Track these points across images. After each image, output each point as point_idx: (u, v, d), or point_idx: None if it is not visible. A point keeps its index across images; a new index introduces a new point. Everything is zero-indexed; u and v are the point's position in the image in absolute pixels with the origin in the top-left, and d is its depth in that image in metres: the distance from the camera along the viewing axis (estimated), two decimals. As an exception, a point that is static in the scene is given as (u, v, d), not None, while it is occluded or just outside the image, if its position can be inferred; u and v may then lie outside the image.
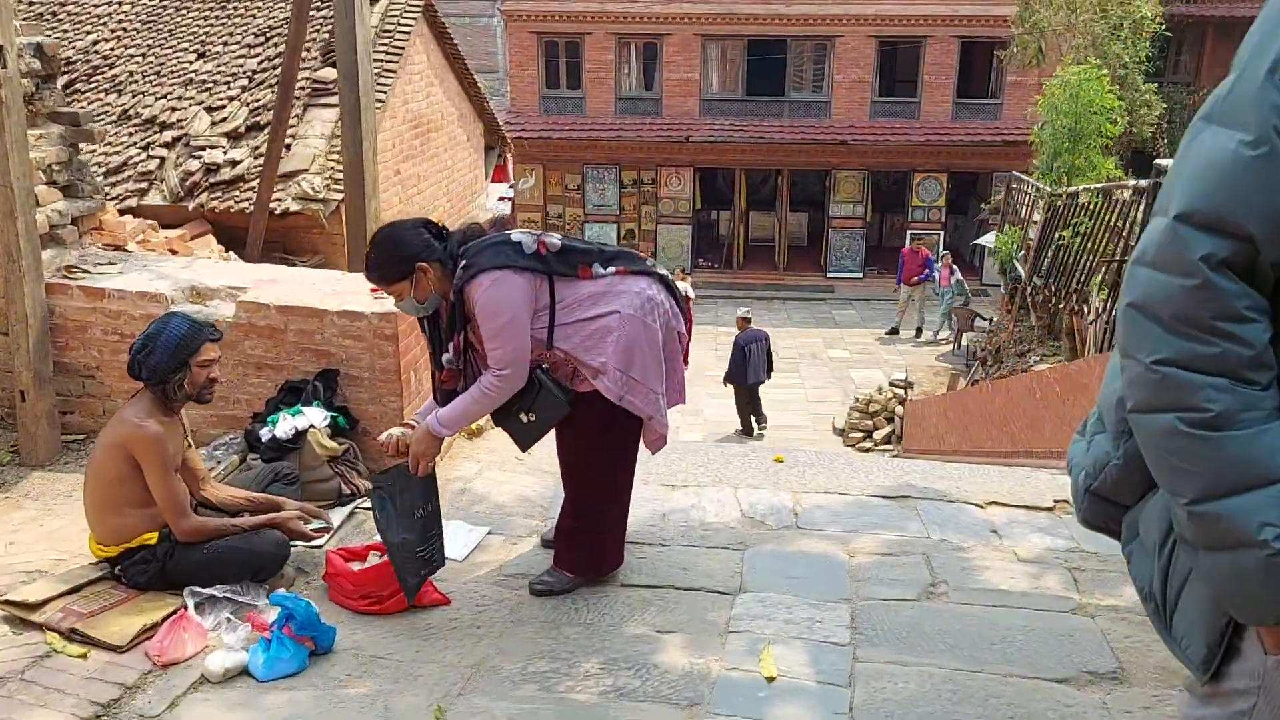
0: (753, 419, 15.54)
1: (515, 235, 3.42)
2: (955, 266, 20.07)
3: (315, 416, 4.36)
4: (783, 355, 19.16)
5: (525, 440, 3.61)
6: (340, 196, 7.22)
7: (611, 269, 3.53)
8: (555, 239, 3.45)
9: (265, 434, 4.34)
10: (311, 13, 8.36)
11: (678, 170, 23.46)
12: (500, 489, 4.68)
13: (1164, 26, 14.31)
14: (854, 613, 3.75)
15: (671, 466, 5.07)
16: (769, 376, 15.15)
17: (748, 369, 14.99)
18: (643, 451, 3.79)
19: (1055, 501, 4.89)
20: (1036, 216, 11.81)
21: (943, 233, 23.44)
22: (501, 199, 26.75)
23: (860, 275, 23.64)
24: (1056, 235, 10.49)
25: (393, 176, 8.26)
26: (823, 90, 22.96)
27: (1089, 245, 9.64)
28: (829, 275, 23.71)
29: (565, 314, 3.44)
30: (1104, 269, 9.02)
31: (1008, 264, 12.46)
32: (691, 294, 18.36)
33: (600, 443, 3.64)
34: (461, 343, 3.43)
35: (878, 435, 15.23)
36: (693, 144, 22.82)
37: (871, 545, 4.30)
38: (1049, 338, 11.11)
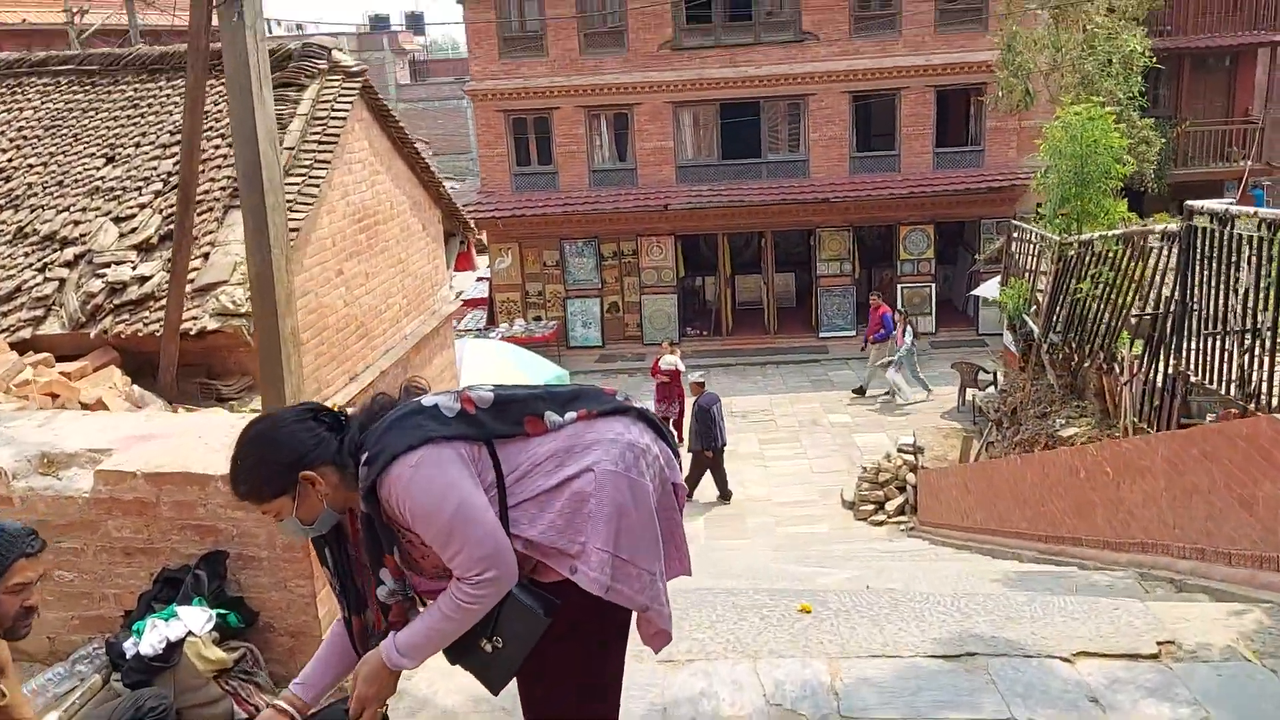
0: (725, 484, 14.93)
1: (428, 399, 2.40)
2: (911, 327, 18.97)
3: (194, 620, 3.27)
4: (780, 424, 18.14)
5: (496, 677, 2.49)
6: (267, 309, 6.21)
7: (572, 414, 2.49)
8: (485, 391, 2.42)
9: (129, 647, 3.25)
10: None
11: (658, 239, 22.64)
12: (448, 686, 3.57)
13: (1154, 60, 13.57)
14: None
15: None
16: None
17: (716, 432, 14.46)
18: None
19: (1159, 644, 3.81)
20: (1045, 267, 10.88)
21: (934, 285, 22.59)
22: (480, 279, 25.89)
23: (853, 333, 22.68)
24: (1073, 287, 9.54)
25: (334, 277, 7.26)
26: (800, 149, 22.25)
27: (1112, 297, 8.68)
28: (821, 335, 22.77)
29: (521, 488, 2.39)
30: (1135, 324, 8.04)
31: (1016, 319, 11.50)
32: (681, 367, 17.37)
33: (574, 654, 2.54)
34: (399, 563, 2.39)
35: (890, 506, 14.14)
36: (671, 212, 22.03)
37: (941, 741, 3.21)
38: (1072, 397, 10.09)
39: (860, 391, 19.18)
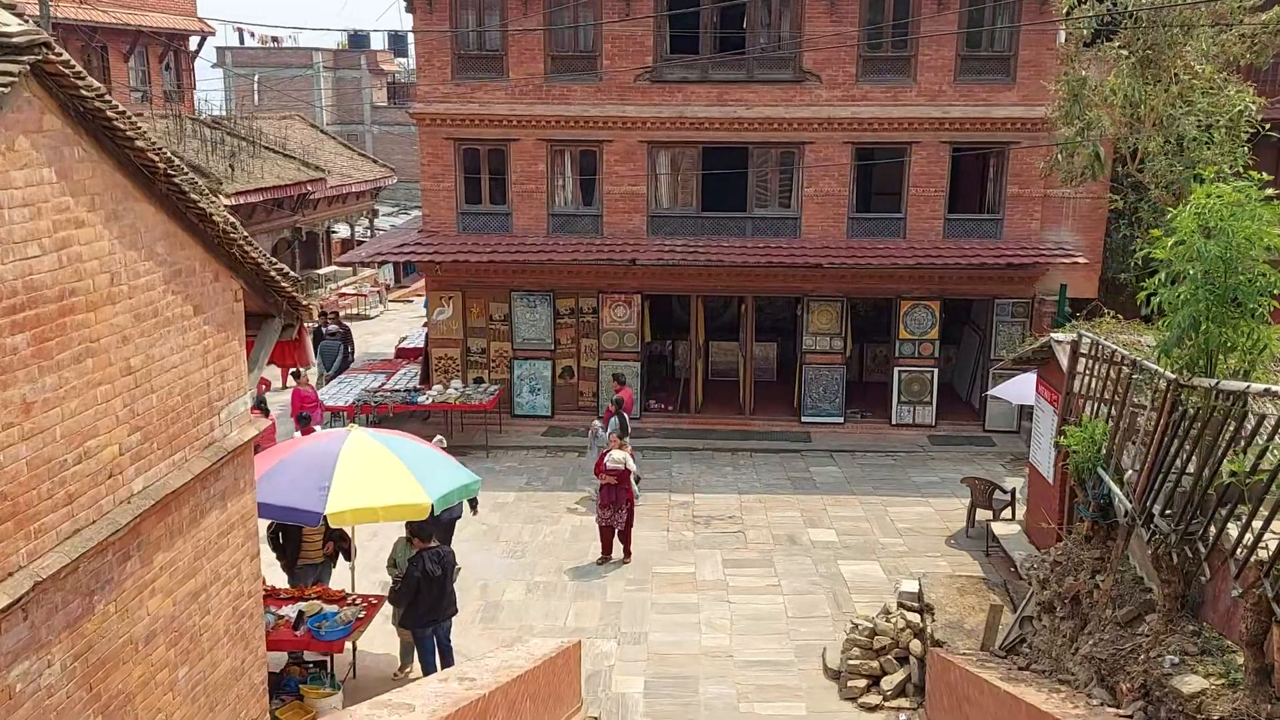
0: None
1: None
2: (621, 417, 15.28)
3: None
4: (751, 538, 14.56)
5: None
6: None
7: None
8: None
9: None
10: None
11: (623, 297, 19.13)
12: None
13: (1267, 125, 10.25)
14: None
15: None
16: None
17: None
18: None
19: None
20: (1140, 401, 7.47)
21: (936, 370, 19.16)
22: (426, 324, 22.20)
23: (840, 420, 19.18)
24: (1197, 456, 6.12)
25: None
26: (791, 205, 18.85)
27: (1290, 494, 5.24)
28: (804, 420, 19.21)
29: None
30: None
31: (1088, 474, 8.07)
32: (633, 467, 13.76)
33: None
34: None
35: (887, 684, 10.55)
36: (640, 268, 18.53)
37: None
38: (1183, 616, 6.61)
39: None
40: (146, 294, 5.15)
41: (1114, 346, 8.08)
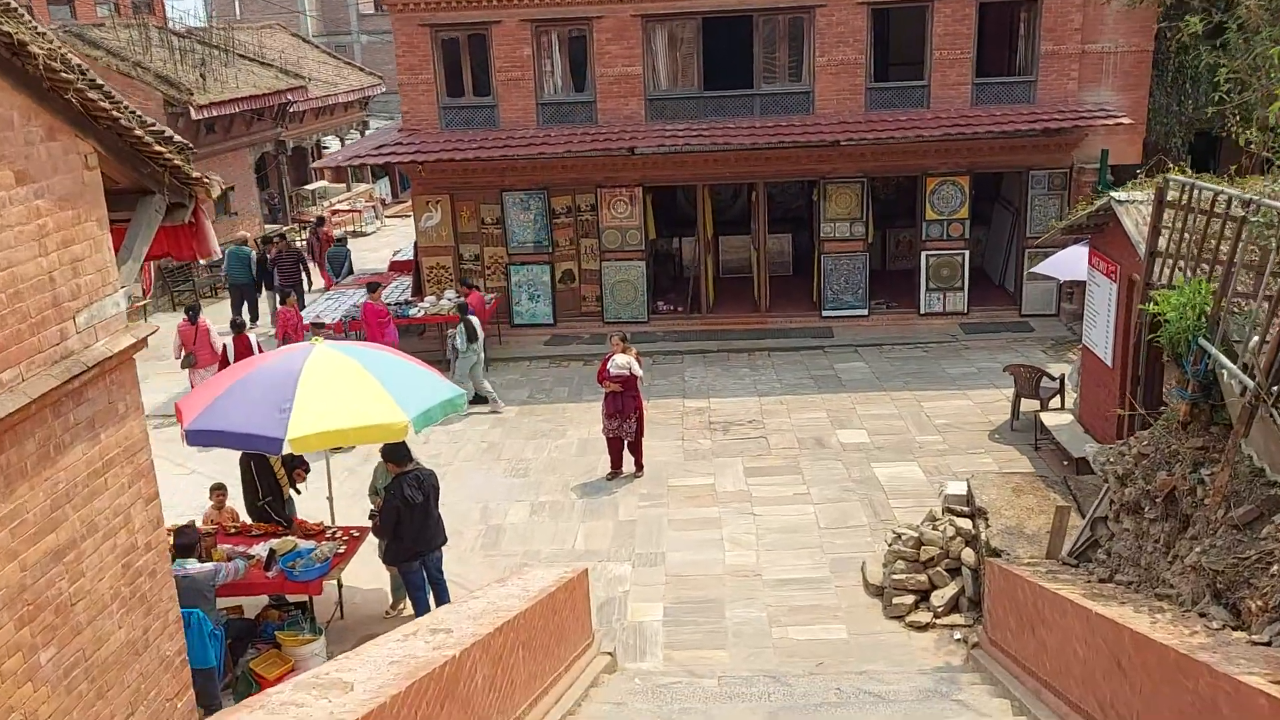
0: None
1: None
2: (467, 324, 14.25)
3: None
4: (774, 444, 13.18)
5: None
6: None
7: None
8: None
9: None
10: None
11: (623, 191, 17.44)
12: None
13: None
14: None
15: None
16: None
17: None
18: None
19: None
20: (1241, 254, 5.94)
21: (966, 252, 17.51)
22: (421, 227, 20.57)
23: (865, 312, 17.64)
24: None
25: None
26: (802, 78, 16.98)
27: None
28: (825, 314, 17.68)
29: None
30: None
31: (1185, 348, 6.58)
32: (638, 370, 12.36)
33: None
34: None
35: (937, 599, 9.27)
36: (639, 157, 16.85)
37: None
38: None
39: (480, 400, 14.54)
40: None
41: (1217, 188, 6.49)
